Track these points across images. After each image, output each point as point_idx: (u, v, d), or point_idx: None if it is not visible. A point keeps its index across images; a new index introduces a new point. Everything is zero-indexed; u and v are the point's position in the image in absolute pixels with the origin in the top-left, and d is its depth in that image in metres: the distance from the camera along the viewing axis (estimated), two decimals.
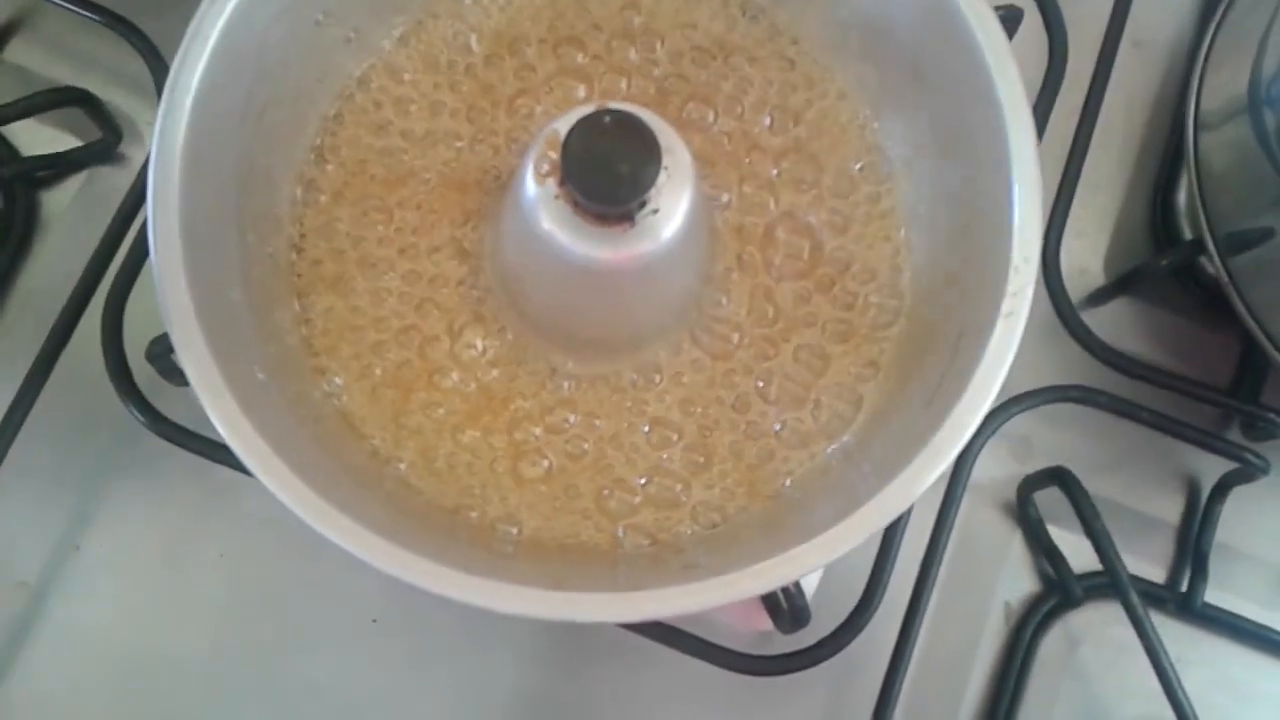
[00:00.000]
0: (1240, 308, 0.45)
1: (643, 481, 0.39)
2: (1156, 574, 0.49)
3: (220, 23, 0.35)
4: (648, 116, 0.34)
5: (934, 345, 0.38)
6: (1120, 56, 0.49)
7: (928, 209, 0.40)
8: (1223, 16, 0.48)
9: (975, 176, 0.38)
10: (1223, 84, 0.46)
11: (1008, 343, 0.34)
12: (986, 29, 0.37)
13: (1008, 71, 0.36)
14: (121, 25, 0.49)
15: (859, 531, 0.33)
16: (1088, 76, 0.49)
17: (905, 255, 0.41)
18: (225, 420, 0.32)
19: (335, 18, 0.40)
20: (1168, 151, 0.52)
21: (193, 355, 0.33)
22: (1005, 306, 0.34)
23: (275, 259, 0.39)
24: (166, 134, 0.34)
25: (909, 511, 0.37)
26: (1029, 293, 0.35)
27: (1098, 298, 0.51)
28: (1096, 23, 0.49)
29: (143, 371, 0.41)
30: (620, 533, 0.38)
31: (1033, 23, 0.47)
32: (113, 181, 0.51)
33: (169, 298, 0.33)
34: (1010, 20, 0.45)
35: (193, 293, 0.33)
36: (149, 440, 0.43)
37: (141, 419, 0.42)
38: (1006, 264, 0.35)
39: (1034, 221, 0.35)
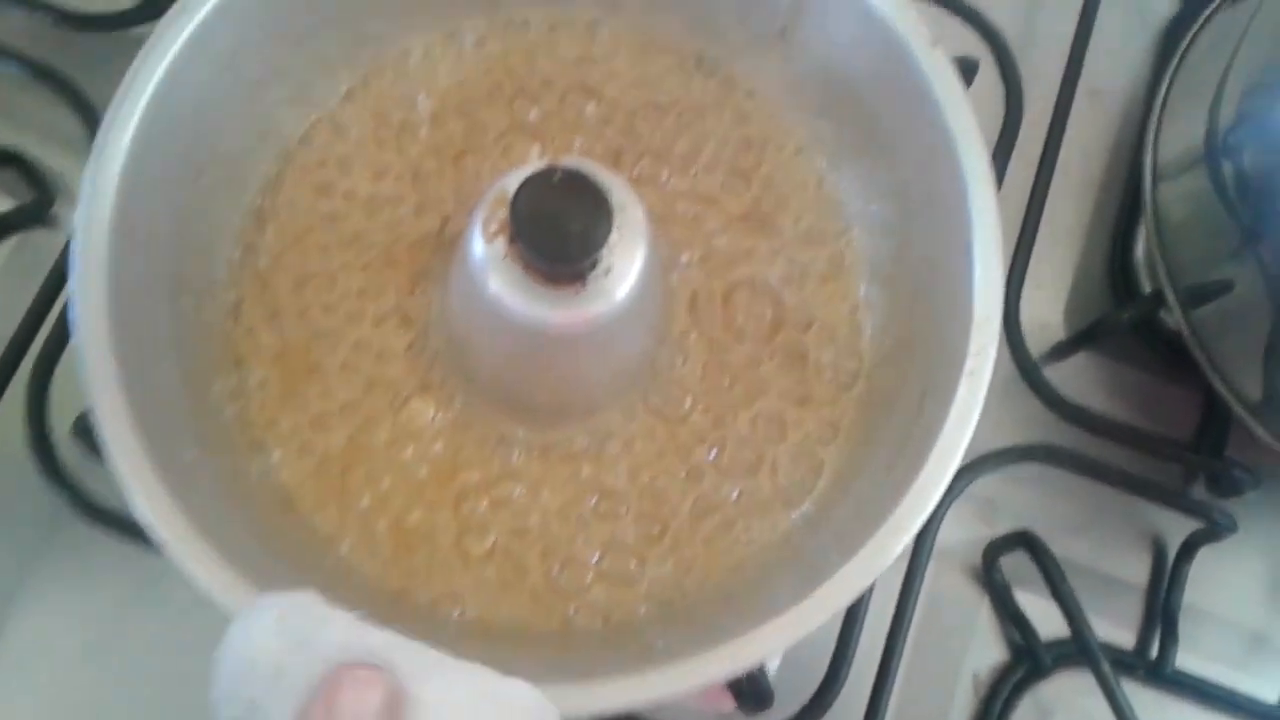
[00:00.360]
0: (1203, 361, 0.44)
1: (595, 557, 0.37)
2: (1125, 638, 0.48)
3: (154, 80, 0.34)
4: (599, 172, 0.33)
5: (896, 406, 0.37)
6: (1076, 106, 0.49)
7: (887, 266, 0.40)
8: (1178, 65, 0.48)
9: (935, 232, 0.37)
10: (1179, 134, 0.46)
11: (972, 402, 0.33)
12: (944, 83, 0.36)
13: (967, 125, 0.36)
14: (56, 82, 0.48)
15: (824, 609, 0.31)
16: (1044, 126, 0.48)
17: (865, 313, 0.40)
18: (148, 504, 0.31)
19: (278, 74, 0.39)
20: (1125, 202, 0.52)
21: (115, 433, 0.31)
22: (968, 365, 0.33)
23: (211, 327, 0.38)
24: (94, 198, 0.33)
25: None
26: (992, 351, 0.34)
27: (1059, 352, 0.50)
28: (1052, 72, 0.49)
29: (72, 449, 0.39)
30: (571, 612, 0.36)
31: (988, 73, 0.47)
32: (45, 245, 0.49)
33: (92, 371, 0.31)
34: (966, 70, 0.45)
35: (118, 366, 0.32)
36: (75, 523, 0.41)
37: (65, 500, 0.40)
38: (968, 321, 0.34)
39: (995, 278, 0.35)
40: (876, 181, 0.40)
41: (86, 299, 0.32)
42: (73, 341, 0.32)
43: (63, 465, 0.41)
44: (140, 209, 0.34)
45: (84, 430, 0.38)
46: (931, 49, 0.36)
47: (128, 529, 0.40)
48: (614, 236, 0.33)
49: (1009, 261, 0.47)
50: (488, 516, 0.37)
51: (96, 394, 0.31)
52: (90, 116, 0.47)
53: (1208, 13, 0.48)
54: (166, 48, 0.34)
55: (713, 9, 0.41)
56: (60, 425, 0.40)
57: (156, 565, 0.37)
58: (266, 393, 0.38)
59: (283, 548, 0.35)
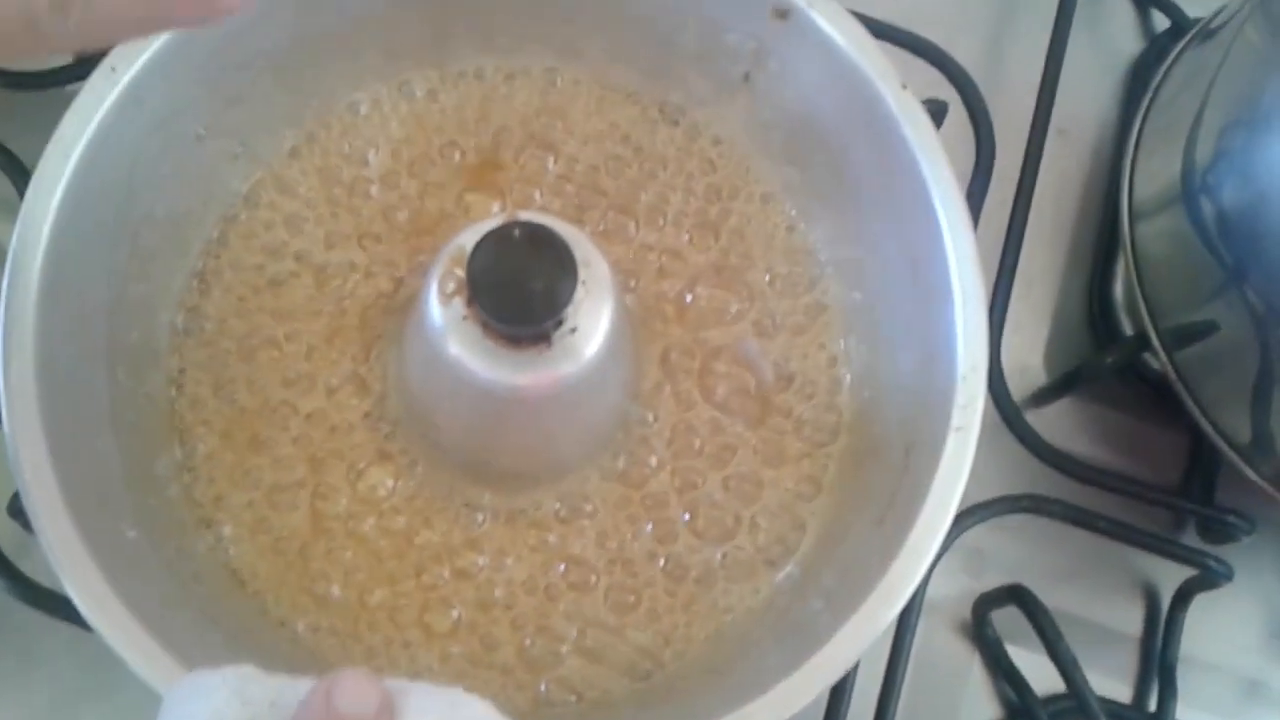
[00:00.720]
0: (1190, 404, 0.43)
1: (567, 630, 0.35)
2: (1122, 691, 0.46)
3: (85, 137, 0.32)
4: (561, 227, 0.31)
5: (881, 461, 0.35)
6: (1046, 146, 0.48)
7: (864, 315, 0.38)
8: (1150, 103, 0.47)
9: (912, 280, 0.36)
10: (1155, 172, 0.45)
11: (961, 458, 0.32)
12: (916, 126, 0.35)
13: (941, 169, 0.35)
14: None
15: (814, 683, 0.30)
16: (1015, 168, 0.47)
17: (843, 365, 0.38)
18: (83, 588, 0.29)
19: (218, 132, 0.37)
20: (1101, 242, 0.51)
21: (45, 512, 0.29)
22: (955, 420, 0.32)
23: (153, 398, 0.36)
24: (20, 263, 0.31)
25: None
26: (979, 404, 0.32)
27: (1041, 397, 0.49)
28: (1020, 113, 0.48)
29: (9, 528, 0.37)
30: (543, 689, 0.34)
31: (957, 115, 0.45)
32: None
33: (19, 449, 0.30)
34: (935, 113, 0.43)
35: (49, 442, 0.30)
36: (17, 607, 0.38)
37: (2, 583, 0.37)
38: (952, 374, 0.33)
39: (978, 327, 0.33)
40: (847, 228, 0.39)
41: (13, 372, 0.30)
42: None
43: (1, 546, 0.38)
44: (71, 273, 0.32)
45: (19, 510, 0.35)
46: (901, 91, 0.35)
47: (70, 612, 0.38)
48: (579, 293, 0.31)
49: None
50: (452, 589, 0.35)
51: (26, 474, 0.29)
52: (20, 178, 0.45)
53: (1178, 49, 0.47)
54: (96, 105, 0.33)
55: (674, 56, 0.40)
56: None
57: (103, 650, 0.35)
58: (214, 467, 0.36)
59: (234, 629, 0.33)
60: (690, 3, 0.38)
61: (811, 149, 0.39)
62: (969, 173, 0.46)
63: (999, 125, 0.46)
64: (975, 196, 0.46)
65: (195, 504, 0.35)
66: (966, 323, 0.33)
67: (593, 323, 0.32)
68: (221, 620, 0.33)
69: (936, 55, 0.46)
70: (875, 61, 0.35)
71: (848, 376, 0.38)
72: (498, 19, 0.40)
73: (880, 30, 0.43)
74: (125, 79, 0.33)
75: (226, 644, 0.31)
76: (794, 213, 0.40)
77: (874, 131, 0.35)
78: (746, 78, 0.39)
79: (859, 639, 0.30)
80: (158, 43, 0.33)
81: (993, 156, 0.45)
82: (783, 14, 0.36)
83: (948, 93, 0.46)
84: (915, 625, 0.41)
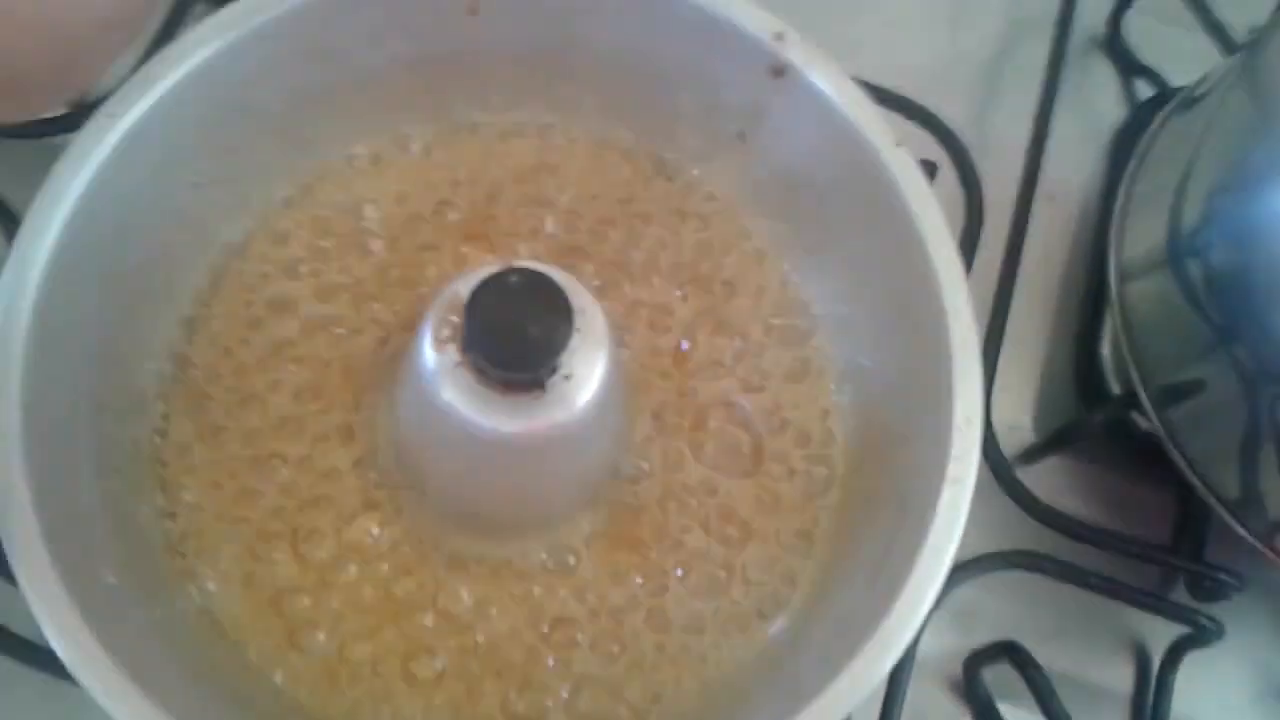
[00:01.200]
0: (1180, 462, 0.43)
1: (553, 685, 0.35)
2: None
3: (78, 184, 0.32)
4: (556, 274, 0.31)
5: (875, 514, 0.35)
6: (1034, 209, 0.48)
7: (858, 367, 0.38)
8: (1137, 168, 0.47)
9: (906, 332, 0.36)
10: (1141, 235, 0.45)
11: (956, 511, 0.32)
12: (910, 183, 0.35)
13: (935, 225, 0.35)
14: None
15: None
16: (1004, 230, 0.47)
17: (836, 417, 0.38)
18: (62, 635, 0.28)
19: (213, 182, 0.37)
20: (1088, 303, 0.51)
21: (26, 556, 0.28)
22: (950, 471, 0.32)
23: (137, 444, 0.35)
24: (8, 309, 0.30)
25: None
26: (974, 456, 0.32)
27: (1031, 455, 0.49)
28: (1008, 176, 0.48)
29: None
30: None
31: (947, 177, 0.46)
32: None
33: (3, 495, 0.29)
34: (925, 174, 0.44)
35: (31, 484, 0.29)
36: None
37: None
38: (948, 425, 0.32)
39: (973, 379, 0.33)
40: (841, 282, 0.39)
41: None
42: None
43: None
44: (61, 320, 0.32)
45: None
46: (895, 148, 0.35)
47: (47, 662, 0.37)
48: (574, 340, 0.31)
49: None
50: (436, 639, 0.35)
51: (9, 521, 0.29)
52: (13, 226, 0.45)
53: (1163, 115, 0.48)
54: (92, 150, 0.32)
55: (669, 113, 0.40)
56: None
57: (80, 697, 0.34)
58: (198, 515, 0.35)
59: (216, 679, 0.32)
60: (688, 61, 0.38)
61: (806, 204, 0.39)
62: (958, 233, 0.47)
63: (986, 189, 0.47)
64: (964, 256, 0.46)
65: (178, 552, 0.34)
66: (961, 375, 0.33)
67: (587, 370, 0.31)
68: (204, 670, 0.32)
69: (925, 117, 0.47)
70: (870, 119, 0.36)
71: (841, 428, 0.38)
72: (495, 75, 0.40)
73: (869, 92, 0.45)
74: (124, 125, 0.32)
75: (209, 694, 0.31)
76: (787, 267, 0.40)
77: (868, 187, 0.36)
78: (742, 135, 0.39)
79: (852, 694, 0.30)
80: (158, 90, 0.33)
81: (982, 216, 0.46)
82: (779, 72, 0.36)
83: (937, 155, 0.46)
84: (907, 682, 0.41)
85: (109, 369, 0.34)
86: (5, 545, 0.28)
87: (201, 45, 0.34)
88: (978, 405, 0.33)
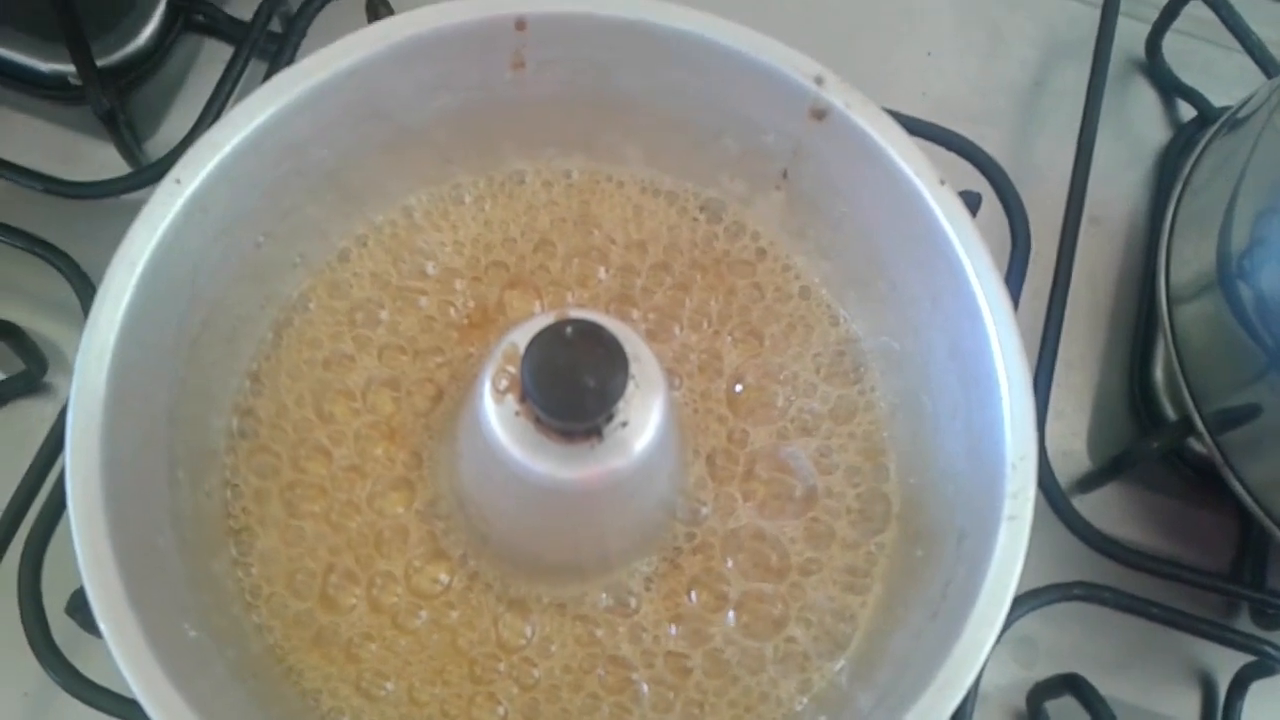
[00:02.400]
0: (1239, 489, 0.43)
1: None
2: None
3: (150, 248, 0.33)
4: (611, 323, 0.32)
5: (933, 552, 0.35)
6: (1080, 234, 0.48)
7: (909, 405, 0.39)
8: (1182, 191, 0.47)
9: (957, 370, 0.36)
10: (1189, 259, 0.45)
11: (1014, 549, 0.32)
12: (954, 218, 0.36)
13: (981, 260, 0.35)
14: (48, 251, 0.47)
15: None
16: (1050, 256, 0.48)
17: (890, 455, 0.39)
18: (145, 685, 0.29)
19: (276, 238, 0.38)
20: (1139, 327, 0.51)
21: (111, 611, 0.29)
22: (1006, 509, 0.32)
23: (211, 497, 0.36)
24: (88, 370, 0.32)
25: None
26: (1030, 492, 0.32)
27: (1087, 483, 0.49)
28: (1053, 203, 0.49)
29: (65, 625, 0.37)
30: None
31: (991, 207, 0.46)
32: (37, 414, 0.47)
33: (86, 549, 0.30)
34: (969, 205, 0.44)
35: (114, 541, 0.30)
36: (72, 702, 0.38)
37: (60, 679, 0.38)
38: (1001, 462, 0.33)
39: (1026, 415, 0.33)
40: (888, 319, 0.39)
41: (81, 471, 0.31)
42: (67, 513, 0.30)
43: (56, 643, 0.39)
44: (135, 379, 0.33)
45: (78, 608, 0.36)
46: (939, 186, 0.36)
47: (124, 709, 0.38)
48: (630, 388, 0.32)
49: None
50: (500, 685, 0.35)
51: (92, 570, 0.30)
52: (81, 284, 0.46)
53: (1208, 138, 0.48)
54: (162, 215, 0.34)
55: (713, 157, 0.41)
56: (55, 601, 0.38)
57: None
58: (270, 565, 0.36)
59: None
60: (729, 107, 0.39)
61: (850, 243, 0.39)
62: (1004, 262, 0.47)
63: (1031, 216, 0.47)
64: (1012, 285, 0.46)
65: (251, 603, 0.36)
66: (1013, 411, 0.33)
67: (643, 417, 0.32)
68: (276, 715, 0.33)
69: (967, 148, 0.47)
70: (912, 158, 0.36)
71: (894, 465, 0.38)
72: (540, 126, 0.41)
73: (909, 126, 0.44)
74: (190, 190, 0.34)
75: None
76: (835, 304, 0.41)
77: (913, 225, 0.36)
78: (785, 175, 0.40)
79: None
80: (220, 154, 0.34)
81: (1029, 245, 0.46)
82: (820, 115, 0.37)
83: (979, 185, 0.47)
84: (971, 718, 0.41)
85: (181, 424, 0.35)
86: (92, 602, 0.29)
87: (260, 109, 0.35)
88: (1032, 442, 0.33)
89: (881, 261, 0.38)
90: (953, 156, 0.47)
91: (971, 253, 0.35)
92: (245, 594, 0.36)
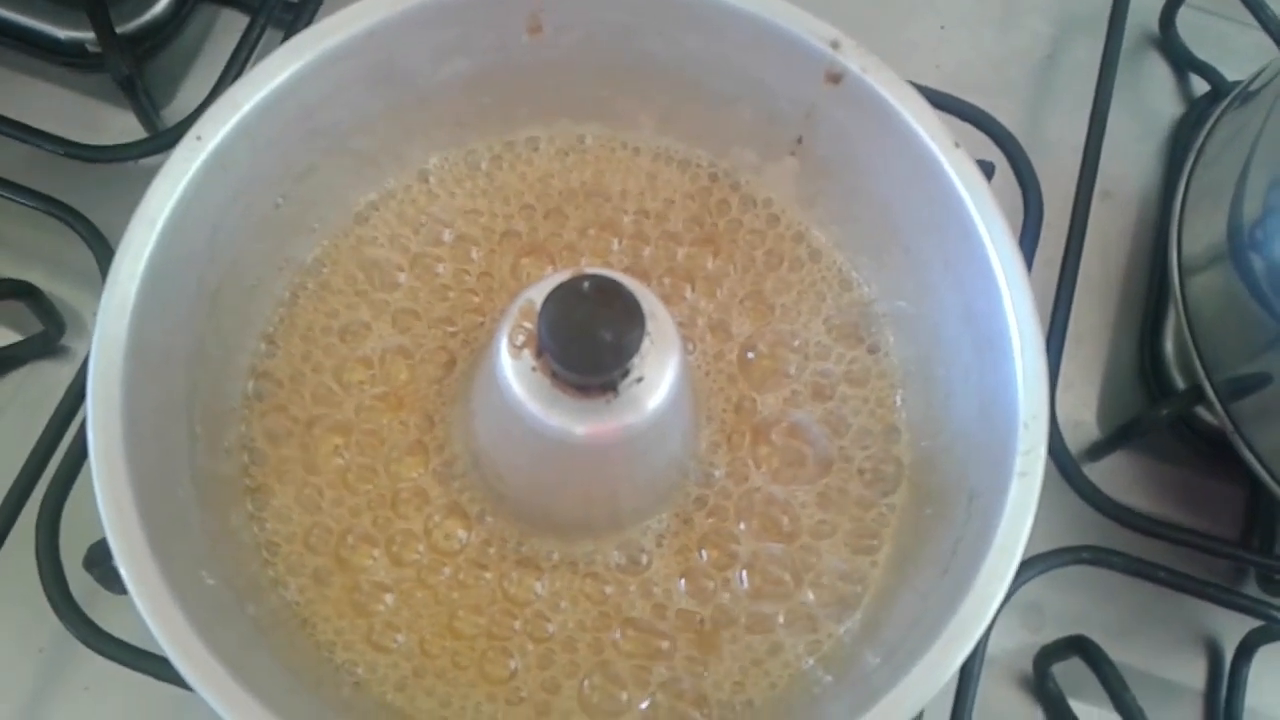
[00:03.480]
0: (1249, 456, 0.43)
1: (629, 681, 0.35)
2: None
3: (171, 203, 0.33)
4: (627, 280, 0.32)
5: (943, 511, 0.36)
6: (1092, 207, 0.48)
7: (922, 366, 0.39)
8: (1195, 163, 0.47)
9: (969, 331, 0.36)
10: (1201, 230, 0.46)
11: (1025, 504, 0.32)
12: (970, 182, 0.36)
13: (995, 223, 0.35)
14: (69, 215, 0.47)
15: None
16: (1062, 229, 0.48)
17: (902, 416, 0.39)
18: (169, 633, 0.29)
19: (294, 199, 0.38)
20: (1149, 299, 0.52)
21: (133, 559, 0.30)
22: (1018, 466, 0.32)
23: (228, 453, 0.37)
24: (109, 321, 0.32)
25: None
26: (1042, 450, 0.33)
27: (1096, 451, 0.49)
28: (1065, 176, 0.49)
29: (82, 580, 0.38)
30: None
31: (1004, 178, 0.46)
32: (54, 376, 0.48)
33: (108, 496, 0.30)
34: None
35: (135, 490, 0.30)
36: (88, 657, 0.39)
37: (78, 632, 0.38)
38: (1013, 421, 0.33)
39: (1038, 374, 0.34)
40: (902, 283, 0.39)
41: (103, 420, 0.31)
42: (89, 465, 0.31)
43: (74, 597, 0.39)
44: (155, 332, 0.33)
45: (94, 562, 0.36)
46: (954, 149, 0.36)
47: (142, 661, 0.38)
48: (645, 344, 0.32)
49: None
50: (515, 637, 0.36)
51: (114, 518, 0.30)
52: (100, 247, 0.47)
53: (1220, 111, 0.48)
54: (182, 172, 0.34)
55: (727, 123, 0.41)
56: (72, 556, 0.39)
57: (172, 695, 0.36)
58: (285, 521, 0.36)
59: (304, 675, 0.33)
60: (745, 72, 0.39)
61: (863, 208, 0.39)
62: (1017, 233, 0.47)
63: (1043, 189, 0.47)
64: (1025, 255, 0.47)
65: (268, 557, 0.36)
66: (1026, 371, 0.33)
67: (658, 374, 0.32)
68: (298, 669, 0.33)
69: (980, 118, 0.47)
70: (927, 121, 0.36)
71: (906, 427, 0.39)
72: (556, 92, 0.41)
73: (924, 95, 0.45)
74: (210, 146, 0.34)
75: (303, 691, 0.32)
76: (848, 268, 0.41)
77: (927, 189, 0.36)
78: (799, 141, 0.40)
79: (924, 688, 0.30)
80: (241, 112, 0.34)
81: (1041, 216, 0.46)
82: (836, 79, 0.37)
83: (993, 155, 0.47)
84: (978, 678, 0.41)
85: (200, 380, 0.35)
86: (114, 548, 0.30)
87: (279, 69, 0.35)
88: (1043, 401, 0.33)
89: (896, 226, 0.38)
90: (967, 127, 0.47)
91: (986, 215, 0.35)
92: (262, 549, 0.36)
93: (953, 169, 0.36)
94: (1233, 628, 0.47)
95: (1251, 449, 0.44)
